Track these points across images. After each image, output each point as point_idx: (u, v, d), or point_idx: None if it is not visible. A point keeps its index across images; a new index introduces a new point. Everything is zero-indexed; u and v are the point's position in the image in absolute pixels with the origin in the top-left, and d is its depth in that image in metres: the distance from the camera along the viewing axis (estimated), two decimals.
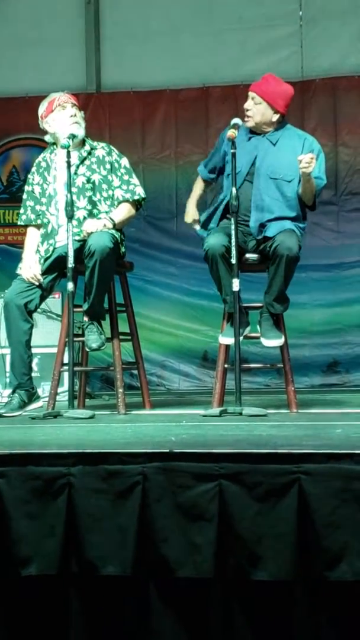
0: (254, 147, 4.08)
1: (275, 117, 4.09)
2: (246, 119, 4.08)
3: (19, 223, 4.42)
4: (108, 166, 4.26)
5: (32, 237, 4.30)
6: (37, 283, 4.15)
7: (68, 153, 3.98)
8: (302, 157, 3.84)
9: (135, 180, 4.29)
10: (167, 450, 2.31)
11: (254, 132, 4.12)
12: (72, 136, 4.08)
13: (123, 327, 4.34)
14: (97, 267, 3.95)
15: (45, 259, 4.20)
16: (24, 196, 4.34)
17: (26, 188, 4.35)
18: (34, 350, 4.30)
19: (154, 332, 6.68)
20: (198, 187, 4.39)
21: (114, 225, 4.12)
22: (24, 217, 4.33)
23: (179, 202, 6.86)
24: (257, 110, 4.07)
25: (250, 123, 4.08)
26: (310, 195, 4.02)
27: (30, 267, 4.17)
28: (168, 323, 6.80)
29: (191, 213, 4.32)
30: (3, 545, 2.28)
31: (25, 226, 4.35)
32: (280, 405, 4.11)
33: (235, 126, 3.87)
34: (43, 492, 2.31)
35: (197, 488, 2.23)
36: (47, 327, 5.66)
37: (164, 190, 6.92)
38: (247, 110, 4.09)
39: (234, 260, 3.79)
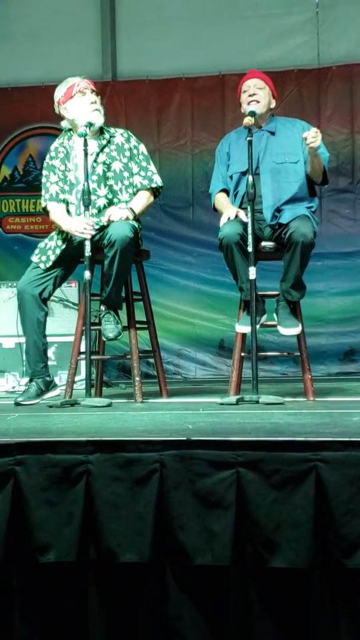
0: (256, 144, 4.05)
1: (273, 103, 4.19)
2: (255, 104, 4.07)
3: (43, 205, 4.24)
4: (128, 153, 4.22)
5: (62, 210, 4.13)
6: (93, 232, 3.97)
7: (85, 141, 3.96)
8: (306, 133, 3.88)
9: (152, 167, 4.27)
10: (185, 438, 2.32)
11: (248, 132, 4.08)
12: (89, 124, 4.05)
13: (140, 315, 4.34)
14: (117, 257, 3.93)
15: (62, 246, 4.17)
16: (44, 180, 4.23)
17: (47, 172, 4.23)
18: (50, 339, 4.31)
19: (171, 321, 6.68)
20: (224, 198, 4.22)
21: (135, 216, 4.10)
22: (47, 196, 4.19)
23: (195, 190, 6.85)
24: (263, 94, 4.10)
25: (260, 108, 4.07)
26: (319, 170, 4.06)
27: (79, 222, 3.97)
28: (184, 312, 6.79)
29: (234, 209, 4.07)
30: (22, 532, 2.29)
31: (48, 205, 4.17)
32: (297, 394, 4.10)
33: (252, 114, 3.87)
34: (61, 480, 2.32)
35: (214, 476, 2.23)
36: (64, 316, 5.67)
37: (180, 178, 6.90)
38: (254, 95, 4.09)
39: (250, 249, 3.78)
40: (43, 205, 4.28)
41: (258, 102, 4.08)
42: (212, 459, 2.26)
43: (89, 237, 3.96)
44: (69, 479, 2.32)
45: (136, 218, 4.12)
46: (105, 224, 4.02)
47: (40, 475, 2.34)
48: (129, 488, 2.29)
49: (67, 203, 4.19)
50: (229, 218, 3.95)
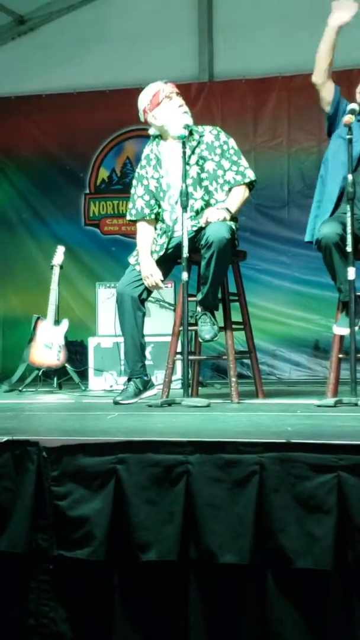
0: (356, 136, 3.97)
1: None
2: None
3: (128, 218, 4.33)
4: (219, 150, 4.20)
5: (145, 235, 4.23)
6: (159, 287, 4.16)
7: (184, 143, 3.98)
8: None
9: (244, 161, 4.24)
10: (285, 440, 2.31)
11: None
12: (187, 126, 4.07)
13: (236, 316, 4.34)
14: (214, 258, 3.94)
15: (161, 251, 4.21)
16: (133, 190, 4.29)
17: (136, 182, 4.28)
18: (147, 339, 4.36)
19: (265, 321, 6.66)
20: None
21: (232, 216, 4.10)
22: (133, 211, 4.27)
23: (290, 190, 6.81)
24: None
25: None
26: None
27: (151, 275, 4.12)
28: (279, 312, 6.77)
29: None
30: (123, 530, 2.33)
31: (135, 221, 4.29)
32: None
33: (353, 112, 3.82)
34: (162, 479, 2.34)
35: (315, 479, 2.22)
36: (160, 316, 5.72)
37: (276, 178, 6.88)
38: None
39: (349, 249, 3.73)
40: (128, 218, 4.35)
41: None
42: (312, 462, 2.24)
43: (151, 289, 4.14)
44: (169, 479, 2.34)
45: (233, 217, 4.11)
46: (204, 225, 4.04)
47: (142, 474, 2.36)
48: (228, 489, 2.29)
49: (157, 214, 4.22)
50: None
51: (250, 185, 4.25)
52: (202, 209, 4.14)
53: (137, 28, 7.05)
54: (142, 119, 4.29)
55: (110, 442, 2.42)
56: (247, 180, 4.20)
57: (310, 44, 6.92)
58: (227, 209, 4.08)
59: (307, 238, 4.12)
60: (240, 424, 3.00)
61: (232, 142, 4.25)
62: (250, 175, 4.22)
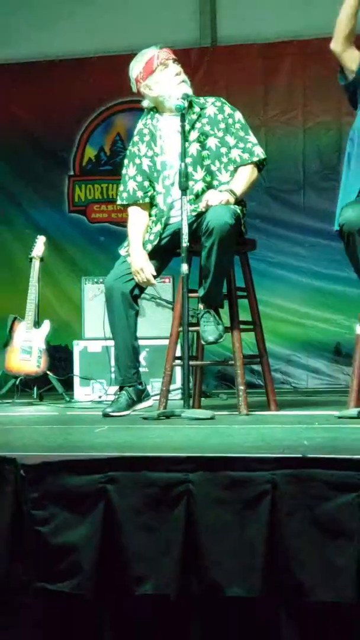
0: None
1: None
2: None
3: (119, 202, 4.36)
4: (222, 125, 4.21)
5: (138, 222, 4.25)
6: (151, 284, 4.18)
7: (182, 117, 3.99)
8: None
9: (252, 137, 4.25)
10: (300, 456, 2.31)
11: None
12: (186, 96, 4.08)
13: (244, 315, 4.35)
14: (215, 247, 3.95)
15: (155, 241, 4.22)
16: (124, 171, 4.31)
17: (128, 161, 4.31)
18: (141, 342, 4.36)
19: (278, 322, 6.67)
20: None
21: (236, 199, 4.10)
22: (125, 194, 4.29)
23: (307, 170, 6.83)
24: None
25: None
26: None
27: (142, 269, 4.13)
28: (294, 311, 6.77)
29: None
30: (115, 559, 2.33)
31: (127, 206, 4.31)
32: None
33: None
34: (159, 501, 2.34)
35: (336, 500, 2.22)
36: (156, 316, 5.74)
37: (290, 157, 6.89)
38: None
39: None
40: (119, 202, 4.36)
41: None
42: (333, 481, 2.24)
43: (143, 286, 4.16)
44: (167, 501, 2.34)
45: (238, 200, 4.12)
46: (204, 210, 4.04)
47: (135, 495, 2.36)
48: (236, 512, 2.29)
49: (152, 198, 4.23)
50: None
51: (260, 165, 4.26)
52: (203, 191, 4.14)
53: None
54: (134, 90, 4.31)
55: (98, 458, 2.43)
56: (255, 159, 4.21)
57: (329, 2, 6.93)
58: (231, 191, 4.08)
59: (336, 227, 4.09)
60: (249, 438, 3.00)
61: (238, 115, 4.26)
62: (260, 153, 4.22)
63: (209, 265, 4.01)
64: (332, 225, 4.00)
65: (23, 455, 2.49)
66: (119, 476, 2.38)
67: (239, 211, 4.10)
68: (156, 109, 4.29)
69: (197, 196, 4.15)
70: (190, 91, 4.17)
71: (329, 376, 6.68)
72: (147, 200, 4.26)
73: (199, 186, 4.16)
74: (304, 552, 2.24)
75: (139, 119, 4.42)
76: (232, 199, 4.06)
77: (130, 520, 2.36)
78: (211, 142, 4.19)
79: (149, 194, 4.26)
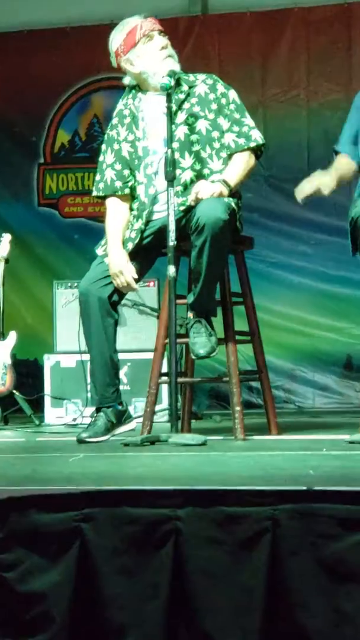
0: None
1: None
2: None
3: (95, 194, 4.39)
4: (214, 106, 4.22)
5: (117, 217, 4.27)
6: (132, 288, 4.19)
7: (169, 96, 4.00)
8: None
9: (249, 120, 4.26)
10: (305, 488, 2.31)
11: None
12: (173, 73, 4.09)
13: (240, 324, 4.36)
14: (207, 245, 3.96)
15: (137, 239, 4.23)
16: (102, 157, 4.33)
17: (106, 147, 4.33)
18: (121, 356, 4.37)
19: (280, 331, 6.70)
20: (344, 163, 4.20)
21: (230, 190, 4.12)
22: (101, 185, 4.31)
23: (311, 156, 6.85)
24: None
25: None
26: None
27: (121, 272, 4.14)
28: (298, 319, 6.80)
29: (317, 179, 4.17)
30: (92, 609, 2.33)
31: (104, 198, 4.33)
32: None
33: None
34: (142, 541, 2.34)
35: (345, 539, 2.22)
36: (138, 325, 5.75)
37: (292, 141, 6.93)
38: None
39: None
40: (95, 194, 4.39)
41: None
42: (342, 517, 2.25)
43: (123, 290, 4.16)
44: (152, 540, 2.34)
45: (232, 192, 4.13)
46: (193, 204, 4.05)
47: (115, 534, 2.36)
48: (231, 553, 2.30)
49: (133, 189, 4.24)
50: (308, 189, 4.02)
51: (258, 152, 4.28)
52: (192, 181, 4.16)
53: None
54: (114, 65, 4.32)
55: (73, 492, 2.42)
56: (252, 145, 4.23)
57: None
58: (225, 182, 4.09)
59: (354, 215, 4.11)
60: (246, 467, 3.00)
61: (232, 95, 4.27)
62: (258, 137, 4.24)
63: (199, 267, 4.02)
64: (341, 219, 4.03)
65: None
66: (96, 513, 2.38)
67: (233, 205, 4.11)
68: (139, 87, 4.30)
69: (186, 187, 4.16)
70: (177, 67, 4.18)
71: (339, 394, 6.70)
72: (127, 191, 4.27)
73: (187, 175, 4.17)
74: (309, 597, 2.25)
75: (119, 98, 4.44)
76: (225, 191, 4.07)
77: (109, 563, 2.36)
78: (201, 125, 4.21)
79: (130, 184, 4.27)
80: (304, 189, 4.07)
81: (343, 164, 4.18)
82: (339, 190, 4.23)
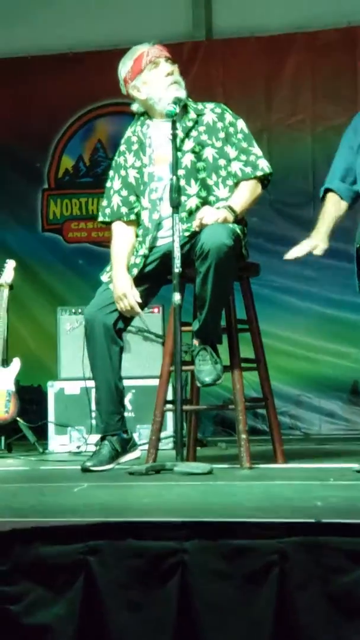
0: None
1: None
2: None
3: (100, 219, 4.40)
4: (222, 135, 4.24)
5: (122, 241, 4.27)
6: (135, 313, 4.17)
7: (174, 123, 4.01)
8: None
9: (256, 149, 4.27)
10: (313, 520, 2.30)
11: None
12: (178, 100, 4.10)
13: (246, 351, 4.35)
14: (211, 272, 3.95)
15: (141, 265, 4.23)
16: (109, 184, 4.35)
17: (113, 173, 4.34)
18: (126, 383, 4.36)
19: (286, 357, 6.69)
20: (333, 210, 4.18)
21: (236, 217, 4.12)
22: (108, 210, 4.32)
23: (316, 181, 6.85)
24: None
25: None
26: None
27: (125, 295, 4.14)
28: (303, 344, 6.79)
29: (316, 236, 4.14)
30: None
31: (110, 223, 4.33)
32: None
33: None
34: (148, 574, 2.33)
35: (355, 572, 2.20)
36: (143, 352, 5.74)
37: (297, 166, 6.95)
38: None
39: None
40: (100, 219, 4.40)
41: None
42: (350, 549, 2.23)
43: (127, 315, 4.16)
44: (158, 574, 2.32)
45: (238, 219, 4.13)
46: (198, 229, 4.05)
47: (120, 567, 2.35)
48: (238, 587, 2.28)
49: (137, 215, 4.25)
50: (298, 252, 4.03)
51: (265, 180, 4.28)
52: (198, 208, 4.15)
53: None
54: (124, 92, 4.34)
55: (78, 524, 2.41)
56: (259, 174, 4.23)
57: None
58: (230, 208, 4.09)
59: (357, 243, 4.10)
60: (253, 498, 2.99)
61: (241, 124, 4.29)
62: (265, 167, 4.24)
63: (204, 294, 4.01)
64: (346, 243, 4.03)
65: None
66: (102, 545, 2.36)
67: (238, 231, 4.11)
68: (147, 113, 4.32)
69: (191, 214, 4.16)
70: (183, 94, 4.19)
71: (346, 420, 6.68)
72: (132, 217, 4.28)
73: (192, 202, 4.17)
74: (318, 632, 2.23)
75: (123, 123, 4.48)
76: (230, 217, 4.07)
77: (114, 597, 2.35)
78: (208, 153, 4.21)
79: (135, 210, 4.28)
80: (293, 252, 4.08)
81: (331, 209, 4.16)
82: (347, 214, 4.23)
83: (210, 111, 4.28)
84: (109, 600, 2.34)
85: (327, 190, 4.19)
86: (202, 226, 4.03)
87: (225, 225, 4.03)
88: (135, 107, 4.35)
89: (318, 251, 4.05)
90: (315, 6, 6.81)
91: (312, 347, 6.78)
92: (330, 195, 4.17)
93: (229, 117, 4.28)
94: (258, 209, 6.20)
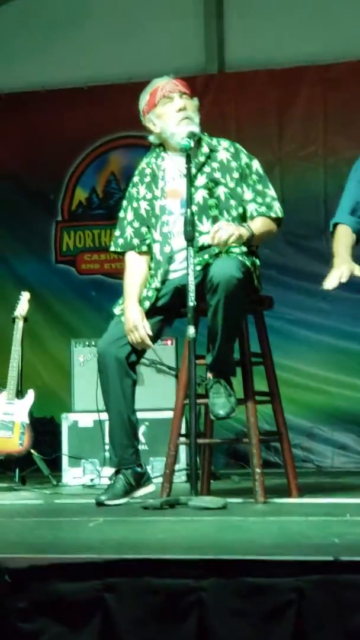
0: None
1: None
2: None
3: (112, 249, 4.41)
4: (236, 175, 4.25)
5: (136, 271, 4.28)
6: (146, 346, 4.17)
7: (188, 157, 4.03)
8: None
9: (272, 191, 4.30)
10: (332, 558, 2.29)
11: None
12: (192, 135, 4.13)
13: (260, 384, 4.35)
14: (221, 304, 3.95)
15: (153, 298, 4.24)
16: (122, 214, 4.36)
17: (126, 204, 4.36)
18: (139, 415, 4.36)
19: (299, 389, 6.67)
20: (347, 239, 4.22)
21: (252, 236, 4.12)
22: (120, 240, 4.34)
23: (328, 213, 6.84)
24: None
25: None
26: None
27: (135, 327, 4.13)
28: (318, 377, 6.77)
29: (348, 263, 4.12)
30: None
31: (122, 254, 4.35)
32: None
33: None
34: (165, 612, 2.31)
35: None
36: (157, 385, 5.72)
37: (309, 198, 6.95)
38: None
39: None
40: (112, 249, 4.42)
41: None
42: None
43: (138, 347, 4.15)
44: (175, 611, 2.31)
45: (252, 239, 4.13)
46: (211, 242, 4.05)
47: (137, 605, 2.34)
48: (255, 625, 2.27)
49: (149, 247, 4.27)
50: (339, 278, 3.97)
51: (278, 223, 4.31)
52: (209, 245, 4.14)
53: (126, 6, 7.16)
54: (143, 123, 4.37)
55: (95, 561, 2.41)
56: (272, 215, 4.26)
57: (351, 23, 7.06)
58: (248, 227, 4.11)
59: None
60: (269, 534, 2.98)
61: (256, 165, 4.31)
62: (278, 210, 4.27)
63: (216, 326, 4.01)
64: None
65: (7, 557, 2.47)
66: (119, 583, 2.35)
67: (248, 263, 4.11)
68: (163, 146, 4.34)
69: (202, 249, 4.16)
70: (196, 129, 4.20)
71: (358, 453, 6.65)
72: (144, 248, 4.29)
73: (204, 239, 4.14)
74: None
75: (136, 156, 4.50)
76: (245, 233, 4.07)
77: (132, 634, 2.34)
78: (220, 191, 4.23)
79: (147, 242, 4.28)
80: (334, 279, 4.07)
81: (345, 237, 4.21)
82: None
83: (224, 150, 4.30)
84: (127, 637, 2.33)
85: (337, 225, 4.21)
86: (215, 238, 4.02)
87: (235, 258, 4.04)
88: (152, 138, 4.37)
89: (358, 272, 4.03)
90: (327, 39, 6.84)
91: (325, 380, 6.76)
92: (340, 226, 4.20)
93: (244, 157, 4.30)
94: (270, 241, 6.23)
